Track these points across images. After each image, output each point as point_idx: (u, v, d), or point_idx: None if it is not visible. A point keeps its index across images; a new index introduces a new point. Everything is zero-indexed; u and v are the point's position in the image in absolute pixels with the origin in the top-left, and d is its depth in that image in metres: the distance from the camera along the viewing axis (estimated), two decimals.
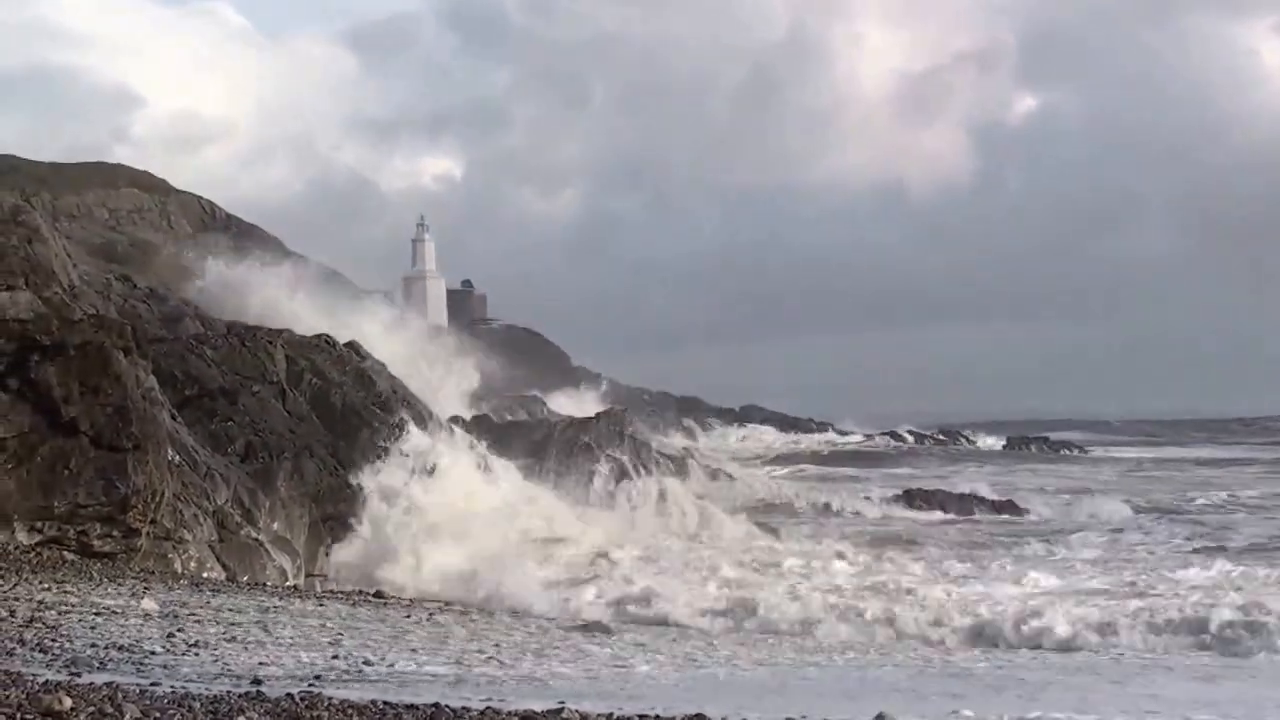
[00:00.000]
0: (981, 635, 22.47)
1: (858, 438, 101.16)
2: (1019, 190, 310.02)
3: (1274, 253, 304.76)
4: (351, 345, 33.89)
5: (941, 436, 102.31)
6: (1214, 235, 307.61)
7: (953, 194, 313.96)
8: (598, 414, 44.49)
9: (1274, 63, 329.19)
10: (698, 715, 11.96)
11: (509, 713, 11.59)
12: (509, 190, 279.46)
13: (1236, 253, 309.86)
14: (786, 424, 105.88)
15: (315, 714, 11.15)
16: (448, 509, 30.47)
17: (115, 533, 24.24)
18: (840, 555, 32.84)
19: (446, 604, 24.48)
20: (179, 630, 17.74)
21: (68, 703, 10.40)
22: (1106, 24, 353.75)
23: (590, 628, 22.15)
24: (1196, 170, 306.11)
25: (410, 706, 11.81)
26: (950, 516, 46.88)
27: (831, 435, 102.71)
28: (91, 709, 10.53)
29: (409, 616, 22.45)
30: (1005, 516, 47.17)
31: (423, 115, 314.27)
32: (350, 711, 11.41)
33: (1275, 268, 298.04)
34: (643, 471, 37.35)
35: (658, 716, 11.91)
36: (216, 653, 16.23)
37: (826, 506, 49.72)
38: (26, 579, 21.02)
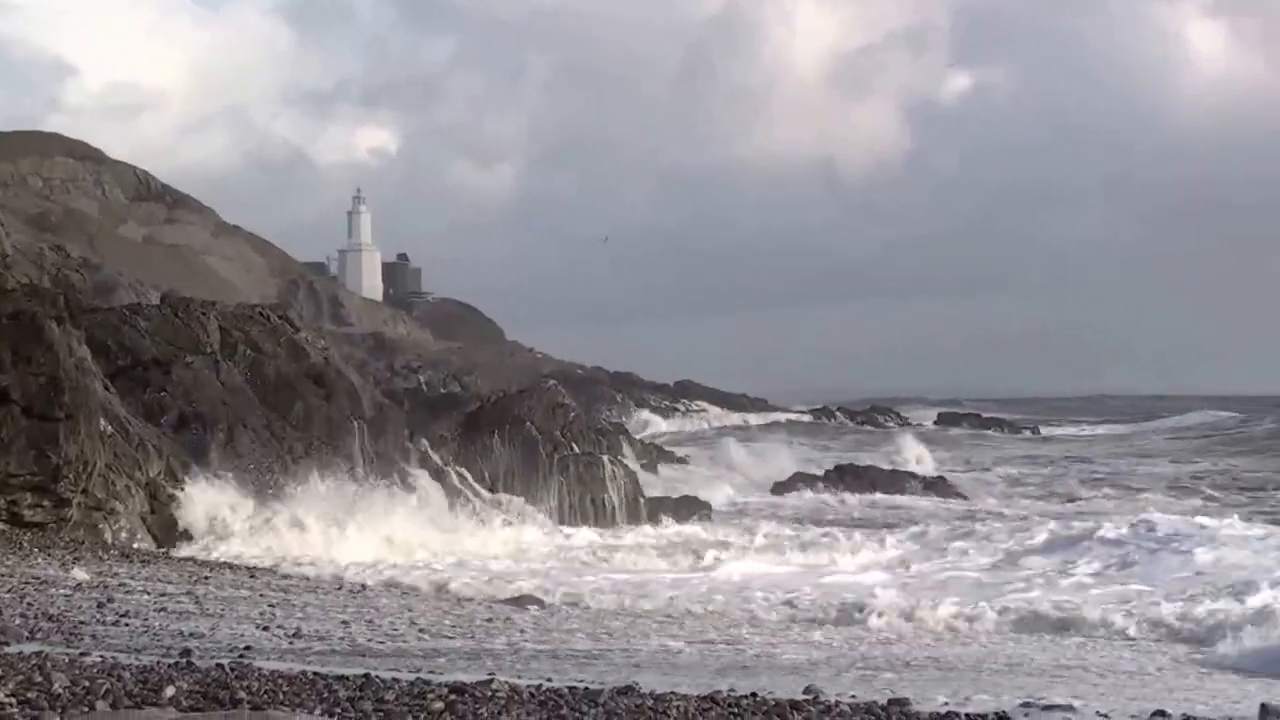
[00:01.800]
0: (912, 617, 22.45)
1: (792, 415, 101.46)
2: (950, 169, 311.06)
3: (1202, 235, 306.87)
4: (285, 317, 33.80)
5: (873, 413, 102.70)
6: (1143, 218, 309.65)
7: (885, 172, 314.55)
8: (531, 388, 44.50)
9: (1200, 46, 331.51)
10: (629, 687, 12.06)
11: (439, 684, 11.66)
12: (445, 164, 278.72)
13: (1165, 236, 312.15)
14: (719, 399, 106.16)
15: (245, 684, 11.20)
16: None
17: (46, 502, 24.20)
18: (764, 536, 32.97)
19: (373, 581, 24.47)
20: (109, 600, 17.76)
21: None
22: (1037, 4, 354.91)
23: (521, 601, 22.23)
24: (1126, 153, 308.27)
25: (340, 678, 11.87)
26: (880, 495, 46.93)
27: (768, 413, 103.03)
28: (20, 678, 10.55)
29: (340, 588, 22.52)
30: (939, 497, 47.18)
31: (359, 88, 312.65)
32: (280, 682, 11.47)
33: (1204, 250, 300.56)
34: (575, 448, 37.34)
35: (587, 689, 12.00)
36: (147, 623, 16.26)
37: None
38: None
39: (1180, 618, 21.09)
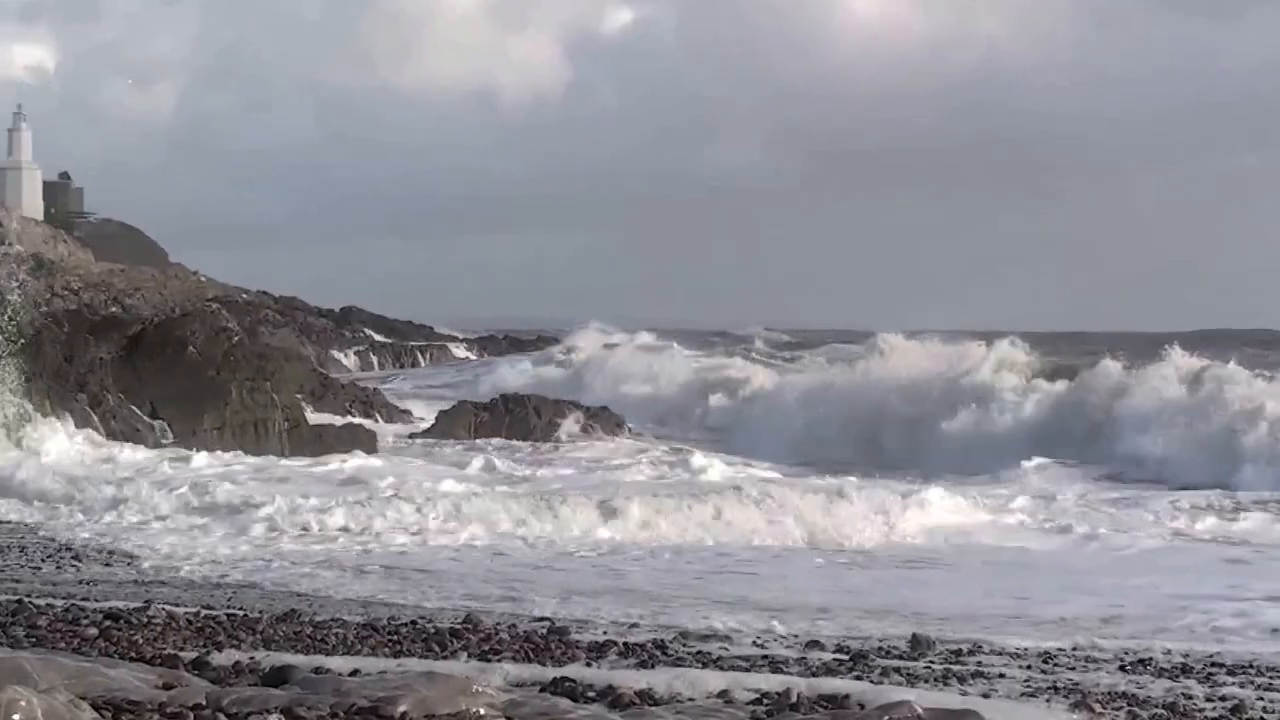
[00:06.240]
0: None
1: (462, 346, 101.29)
2: (612, 103, 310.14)
3: (856, 173, 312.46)
4: None
5: (541, 342, 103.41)
6: (801, 154, 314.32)
7: (545, 105, 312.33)
8: (194, 311, 43.76)
9: None
10: (289, 614, 12.21)
11: (94, 610, 11.66)
12: (104, 83, 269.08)
13: (823, 171, 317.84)
14: (383, 327, 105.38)
15: None
16: None
17: None
18: None
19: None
20: None
21: None
22: None
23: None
24: (781, 89, 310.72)
25: None
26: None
27: (433, 340, 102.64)
28: None
29: None
30: None
31: (13, 3, 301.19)
32: None
33: (860, 186, 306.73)
34: (238, 374, 36.84)
35: (246, 615, 12.12)
36: None
37: None
38: None
39: None
